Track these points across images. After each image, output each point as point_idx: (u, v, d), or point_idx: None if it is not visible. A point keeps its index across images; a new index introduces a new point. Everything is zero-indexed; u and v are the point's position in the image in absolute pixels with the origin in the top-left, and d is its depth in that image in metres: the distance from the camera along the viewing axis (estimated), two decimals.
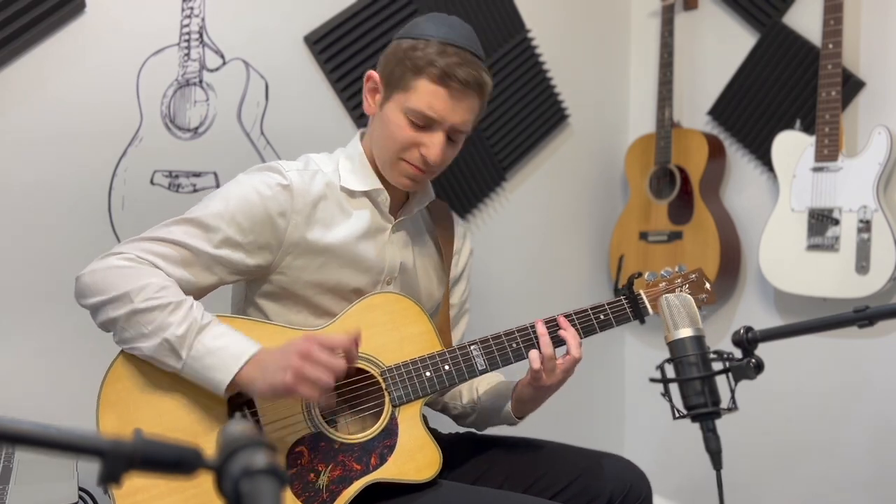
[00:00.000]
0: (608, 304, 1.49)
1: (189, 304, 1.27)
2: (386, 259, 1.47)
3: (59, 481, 1.34)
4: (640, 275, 1.52)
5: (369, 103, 1.45)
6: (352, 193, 1.44)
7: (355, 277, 1.43)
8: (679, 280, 1.54)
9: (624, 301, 1.49)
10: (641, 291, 1.51)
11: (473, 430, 1.64)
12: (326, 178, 1.42)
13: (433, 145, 1.39)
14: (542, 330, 1.42)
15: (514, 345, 1.43)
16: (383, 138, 1.43)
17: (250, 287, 1.44)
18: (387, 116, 1.41)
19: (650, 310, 1.50)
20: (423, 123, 1.39)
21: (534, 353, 1.41)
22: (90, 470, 1.49)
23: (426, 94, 1.37)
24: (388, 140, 1.41)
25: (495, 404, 1.54)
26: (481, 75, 1.39)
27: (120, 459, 0.57)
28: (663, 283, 1.53)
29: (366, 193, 1.45)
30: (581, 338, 1.45)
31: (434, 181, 2.25)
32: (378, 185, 1.45)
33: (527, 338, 1.43)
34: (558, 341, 1.44)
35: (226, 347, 1.24)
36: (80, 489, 1.44)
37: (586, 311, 1.47)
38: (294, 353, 1.20)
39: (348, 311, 1.40)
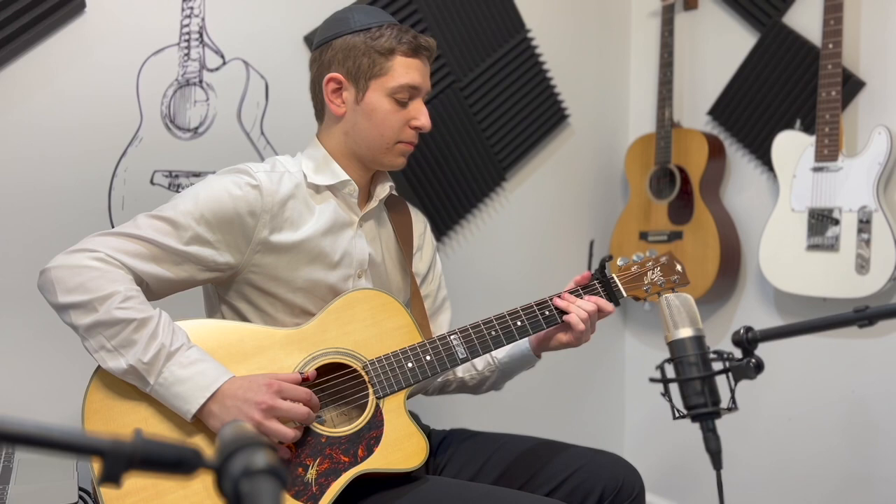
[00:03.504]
0: (582, 288, 1.53)
1: (155, 323, 1.26)
2: (355, 253, 1.49)
3: (59, 481, 1.34)
4: (611, 258, 1.55)
5: (336, 104, 1.49)
6: (317, 189, 1.48)
7: (325, 273, 1.45)
8: (650, 263, 1.57)
9: (597, 285, 1.53)
10: (615, 275, 1.55)
11: (493, 390, 1.69)
12: (294, 178, 1.45)
13: (422, 113, 1.49)
14: (561, 302, 1.49)
15: (493, 332, 1.46)
16: (372, 128, 1.47)
17: (222, 288, 1.46)
18: (370, 106, 1.46)
19: (623, 292, 1.53)
20: (408, 97, 1.47)
21: (574, 319, 1.46)
22: (90, 470, 1.49)
23: (405, 69, 1.46)
24: (381, 128, 1.47)
25: (514, 356, 1.61)
26: (433, 40, 1.52)
27: (120, 459, 0.57)
28: (635, 267, 1.56)
29: (330, 188, 1.49)
30: (559, 321, 1.50)
31: (433, 181, 2.27)
32: (344, 177, 1.49)
33: (504, 325, 1.46)
34: (541, 326, 1.49)
35: (193, 378, 1.24)
36: (80, 489, 1.44)
37: (559, 295, 1.51)
38: (256, 408, 1.23)
39: (328, 308, 1.42)
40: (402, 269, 1.61)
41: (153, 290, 1.34)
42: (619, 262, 1.58)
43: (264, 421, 1.24)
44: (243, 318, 1.45)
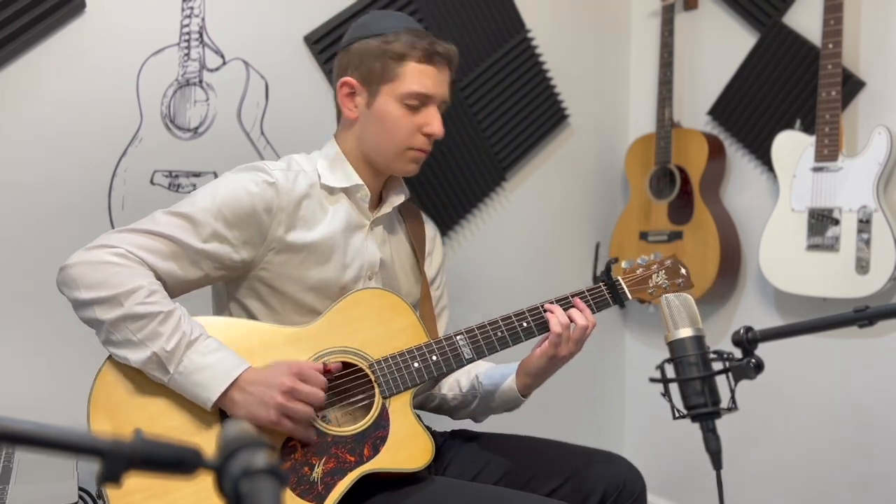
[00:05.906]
0: (588, 290, 1.52)
1: (178, 315, 1.28)
2: (366, 255, 1.50)
3: (59, 481, 1.34)
4: (616, 260, 1.56)
5: (350, 108, 1.50)
6: (331, 191, 1.48)
7: (336, 273, 1.46)
8: (655, 266, 1.57)
9: (603, 287, 1.53)
10: (619, 278, 1.55)
11: (472, 420, 1.64)
12: (309, 177, 1.46)
13: (433, 119, 1.48)
14: (550, 305, 1.47)
15: (499, 333, 1.46)
16: (382, 133, 1.48)
17: (232, 285, 1.46)
18: (380, 111, 1.47)
19: (629, 295, 1.54)
20: (419, 104, 1.47)
21: (553, 320, 1.44)
22: (90, 470, 1.49)
23: (416, 75, 1.45)
24: (391, 133, 1.47)
25: (498, 385, 1.56)
26: (454, 48, 1.50)
27: (120, 459, 0.57)
28: (640, 270, 1.57)
29: (344, 190, 1.49)
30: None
31: (433, 181, 2.27)
32: (357, 181, 1.49)
33: (510, 326, 1.46)
34: (546, 327, 1.46)
35: (213, 365, 1.26)
36: (80, 489, 1.44)
37: (567, 297, 1.50)
38: (277, 390, 1.25)
39: (335, 306, 1.43)
40: (413, 273, 1.62)
41: (169, 287, 1.35)
42: (624, 264, 1.58)
43: (287, 402, 1.25)
44: (251, 316, 1.46)
